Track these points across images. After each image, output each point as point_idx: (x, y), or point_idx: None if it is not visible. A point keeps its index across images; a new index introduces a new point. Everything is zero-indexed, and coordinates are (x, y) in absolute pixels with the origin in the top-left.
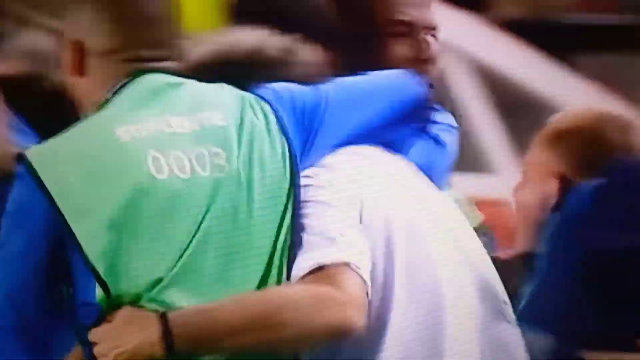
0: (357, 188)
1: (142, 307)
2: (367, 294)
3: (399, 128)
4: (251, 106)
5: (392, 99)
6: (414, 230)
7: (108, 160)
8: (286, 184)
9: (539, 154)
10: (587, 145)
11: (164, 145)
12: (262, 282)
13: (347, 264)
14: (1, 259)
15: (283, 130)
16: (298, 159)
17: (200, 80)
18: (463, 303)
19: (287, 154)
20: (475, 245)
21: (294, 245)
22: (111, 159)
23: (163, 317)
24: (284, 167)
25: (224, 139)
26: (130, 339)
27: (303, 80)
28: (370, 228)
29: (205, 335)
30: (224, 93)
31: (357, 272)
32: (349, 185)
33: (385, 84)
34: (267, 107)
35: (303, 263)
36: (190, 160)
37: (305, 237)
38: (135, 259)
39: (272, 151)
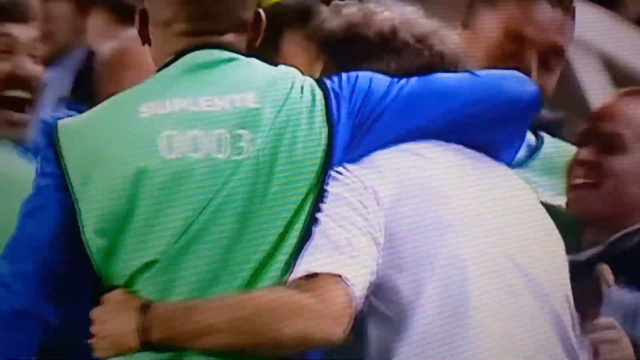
0: (391, 188)
1: (136, 290)
2: (356, 306)
3: (496, 129)
4: (301, 90)
5: (487, 98)
6: (443, 232)
7: (124, 136)
8: (313, 176)
9: None
10: None
11: (184, 124)
12: (259, 273)
13: (339, 276)
14: (28, 215)
15: (329, 120)
16: (339, 151)
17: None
18: (496, 309)
19: (324, 144)
20: (535, 250)
21: (307, 238)
22: (127, 135)
23: (144, 309)
24: (317, 157)
25: (252, 120)
26: (111, 326)
27: (429, 70)
28: (394, 230)
29: (181, 333)
30: (273, 74)
31: (347, 286)
32: (382, 185)
33: (481, 83)
34: (319, 93)
35: (300, 266)
36: (208, 141)
37: (315, 236)
38: (129, 239)
39: (308, 139)
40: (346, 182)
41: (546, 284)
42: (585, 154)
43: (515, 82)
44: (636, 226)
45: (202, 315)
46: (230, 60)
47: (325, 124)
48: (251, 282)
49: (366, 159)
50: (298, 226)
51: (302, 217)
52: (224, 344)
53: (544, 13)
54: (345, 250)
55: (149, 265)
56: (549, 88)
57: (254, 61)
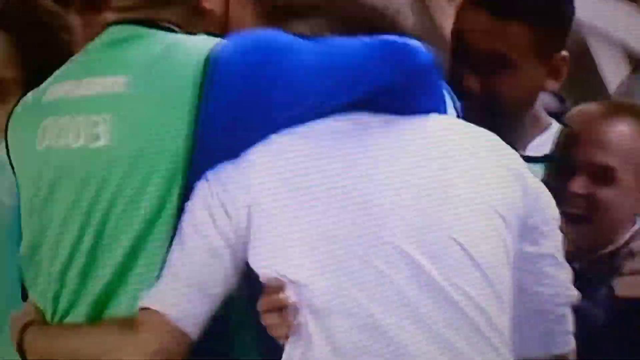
0: (259, 191)
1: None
2: (183, 339)
3: (399, 98)
4: (190, 69)
5: (385, 69)
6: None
7: (27, 125)
8: (170, 171)
9: None
10: None
11: (59, 111)
12: (117, 279)
13: (167, 315)
14: None
15: (200, 107)
16: (211, 139)
17: None
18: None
19: (187, 134)
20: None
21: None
22: (27, 122)
23: (23, 329)
24: (176, 147)
25: (116, 105)
26: (12, 335)
27: (361, 27)
28: (257, 236)
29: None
30: (164, 52)
31: (172, 321)
32: (247, 189)
33: (376, 54)
34: (195, 77)
35: (143, 297)
36: (71, 128)
37: (170, 259)
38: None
39: (167, 128)
40: (203, 193)
41: (443, 279)
42: (578, 185)
43: (406, 50)
44: (609, 249)
45: (53, 343)
46: (136, 37)
47: (193, 113)
48: (110, 289)
49: (245, 154)
50: (159, 229)
51: (164, 218)
52: None
53: (478, 21)
54: (180, 283)
55: (21, 262)
56: (505, 90)
57: (161, 36)
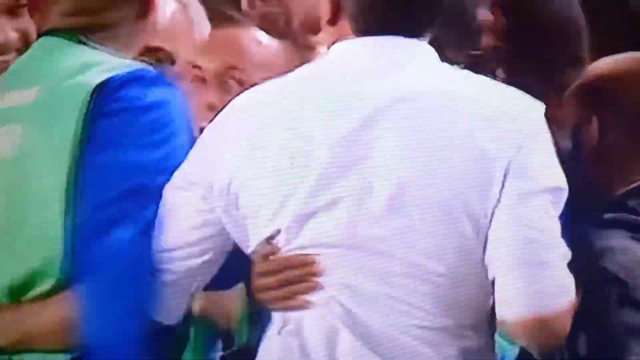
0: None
1: None
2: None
3: None
4: (76, 96)
5: None
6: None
7: None
8: (60, 182)
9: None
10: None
11: None
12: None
13: None
14: None
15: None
16: (92, 163)
17: None
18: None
19: (73, 156)
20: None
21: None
22: None
23: None
24: (67, 168)
25: (25, 118)
26: None
27: None
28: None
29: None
30: (69, 72)
31: None
32: (210, 159)
33: None
34: (84, 101)
35: None
36: None
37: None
38: None
39: (58, 147)
40: (182, 180)
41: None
42: None
43: None
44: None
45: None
46: (57, 50)
47: (77, 134)
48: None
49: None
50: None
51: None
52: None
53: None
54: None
55: None
56: None
57: (80, 52)
